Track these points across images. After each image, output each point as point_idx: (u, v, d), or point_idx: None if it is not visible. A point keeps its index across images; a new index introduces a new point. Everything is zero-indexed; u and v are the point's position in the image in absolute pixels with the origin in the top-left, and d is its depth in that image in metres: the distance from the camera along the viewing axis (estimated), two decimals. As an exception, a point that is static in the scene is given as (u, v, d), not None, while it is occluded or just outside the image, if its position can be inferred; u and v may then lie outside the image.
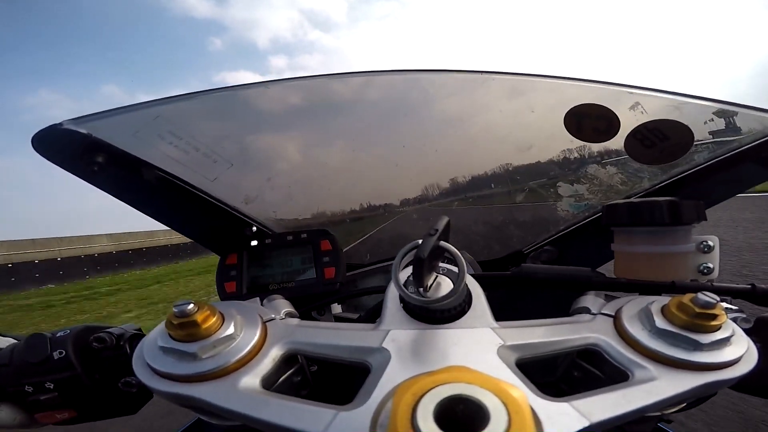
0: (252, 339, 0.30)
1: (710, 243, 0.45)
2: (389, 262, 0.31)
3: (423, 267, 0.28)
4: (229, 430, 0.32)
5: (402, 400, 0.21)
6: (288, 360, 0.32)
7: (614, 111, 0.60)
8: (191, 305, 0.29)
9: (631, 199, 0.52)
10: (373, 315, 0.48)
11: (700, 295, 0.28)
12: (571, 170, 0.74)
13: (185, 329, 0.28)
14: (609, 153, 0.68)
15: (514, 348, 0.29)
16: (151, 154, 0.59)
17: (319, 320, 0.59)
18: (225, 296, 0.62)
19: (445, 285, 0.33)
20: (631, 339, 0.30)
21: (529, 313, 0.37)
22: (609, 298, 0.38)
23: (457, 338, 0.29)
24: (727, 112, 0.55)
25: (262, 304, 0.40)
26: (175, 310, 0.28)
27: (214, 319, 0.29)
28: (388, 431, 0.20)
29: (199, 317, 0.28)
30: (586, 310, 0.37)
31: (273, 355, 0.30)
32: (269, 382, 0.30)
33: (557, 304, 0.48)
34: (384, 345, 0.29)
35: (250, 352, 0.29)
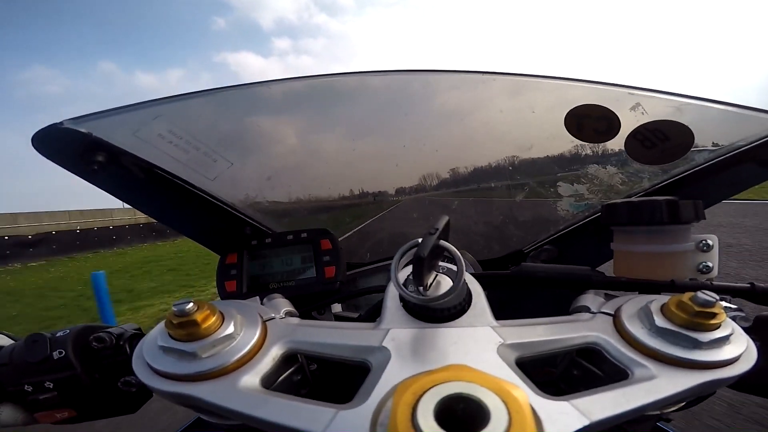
0: (252, 338, 0.30)
1: (709, 242, 0.45)
2: (389, 261, 0.31)
3: (423, 266, 0.28)
4: (229, 430, 0.32)
5: (402, 398, 0.21)
6: (288, 359, 0.32)
7: (615, 112, 0.60)
8: (191, 304, 0.29)
9: (631, 199, 0.52)
10: (373, 314, 0.48)
11: (700, 294, 0.28)
12: (571, 170, 0.74)
13: (185, 328, 0.28)
14: (609, 153, 0.69)
15: (514, 347, 0.29)
16: (151, 154, 0.59)
17: (318, 319, 0.59)
18: (225, 295, 0.62)
19: (445, 284, 0.33)
20: (630, 337, 0.30)
21: (529, 311, 0.37)
22: (609, 297, 0.38)
23: (457, 337, 0.29)
24: (727, 112, 0.56)
25: (262, 303, 0.41)
26: (175, 310, 0.28)
27: (214, 318, 0.29)
28: (389, 430, 0.20)
29: (198, 316, 0.28)
30: (586, 309, 0.37)
31: (273, 354, 0.30)
32: (269, 382, 0.30)
33: (557, 303, 0.49)
34: (384, 344, 0.29)
35: (250, 351, 0.29)
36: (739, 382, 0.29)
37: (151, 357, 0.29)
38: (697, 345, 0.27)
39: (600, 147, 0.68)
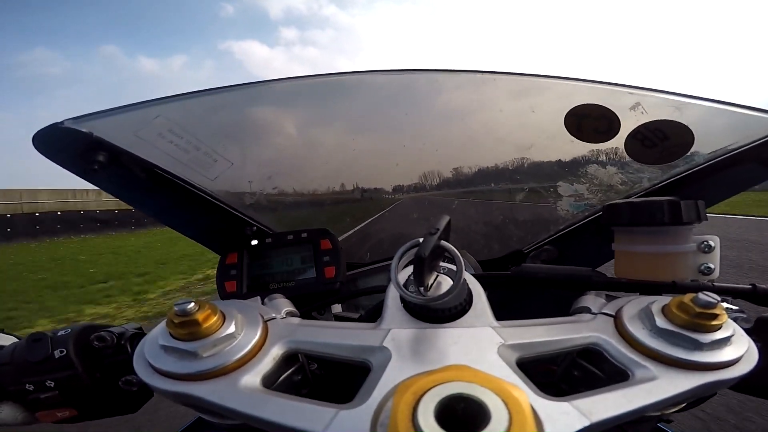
0: (253, 338, 0.30)
1: (711, 243, 0.45)
2: (389, 262, 0.31)
3: (424, 266, 0.28)
4: (230, 429, 0.32)
5: (402, 399, 0.21)
6: (288, 359, 0.32)
7: (615, 111, 0.60)
8: (192, 304, 0.29)
9: (631, 199, 0.52)
10: (373, 314, 0.48)
11: (701, 295, 0.28)
12: (570, 170, 0.74)
13: (186, 328, 0.28)
14: (609, 153, 0.69)
15: (515, 347, 0.29)
16: (152, 153, 0.59)
17: (319, 320, 0.59)
18: (225, 295, 0.62)
19: (446, 284, 0.33)
20: (631, 338, 0.30)
21: (529, 312, 0.37)
22: (609, 298, 0.38)
23: (457, 337, 0.29)
24: (727, 112, 0.56)
25: (263, 303, 0.41)
26: (176, 309, 0.28)
27: (215, 318, 0.29)
28: (389, 430, 0.20)
29: (200, 316, 0.28)
30: (587, 310, 0.37)
31: (274, 354, 0.30)
32: (270, 381, 0.30)
33: (558, 303, 0.48)
34: (384, 344, 0.29)
35: (250, 351, 0.29)
36: (740, 384, 0.29)
37: (152, 356, 0.29)
38: (698, 346, 0.27)
39: (600, 147, 0.68)
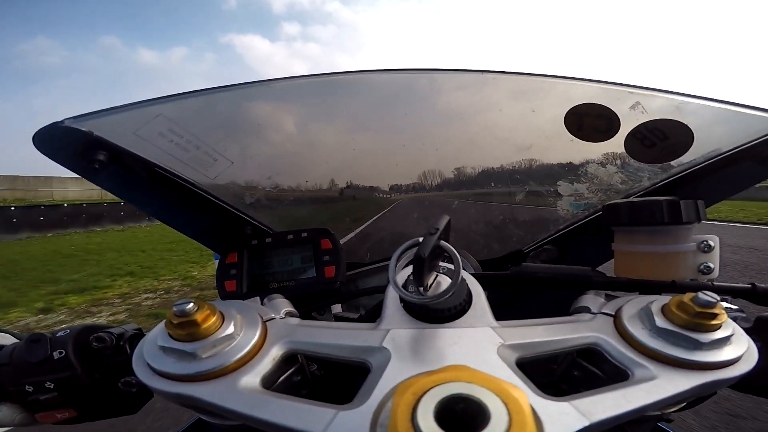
0: (252, 338, 0.30)
1: (710, 243, 0.45)
2: (389, 261, 0.31)
3: (423, 266, 0.28)
4: (229, 430, 0.32)
5: (402, 399, 0.21)
6: (288, 359, 0.32)
7: (614, 110, 0.60)
8: (191, 305, 0.28)
9: (631, 199, 0.52)
10: (373, 314, 0.48)
11: (701, 295, 0.28)
12: (571, 169, 0.74)
13: (185, 329, 0.28)
14: (609, 152, 0.68)
15: (515, 347, 0.29)
16: (152, 153, 0.59)
17: (318, 320, 0.59)
18: (225, 295, 0.62)
19: (445, 284, 0.33)
20: (631, 338, 0.30)
21: (529, 312, 0.37)
22: (609, 298, 0.38)
23: (457, 337, 0.29)
24: (726, 111, 0.55)
25: (262, 303, 0.40)
26: (175, 310, 0.28)
27: (214, 318, 0.29)
28: (389, 430, 0.20)
29: (198, 317, 0.28)
30: (587, 310, 0.37)
31: (273, 354, 0.30)
32: (269, 382, 0.30)
33: (557, 303, 0.48)
34: (384, 344, 0.29)
35: (250, 351, 0.29)
36: (740, 383, 0.29)
37: (151, 357, 0.29)
38: (698, 346, 0.27)
39: (600, 146, 0.68)
